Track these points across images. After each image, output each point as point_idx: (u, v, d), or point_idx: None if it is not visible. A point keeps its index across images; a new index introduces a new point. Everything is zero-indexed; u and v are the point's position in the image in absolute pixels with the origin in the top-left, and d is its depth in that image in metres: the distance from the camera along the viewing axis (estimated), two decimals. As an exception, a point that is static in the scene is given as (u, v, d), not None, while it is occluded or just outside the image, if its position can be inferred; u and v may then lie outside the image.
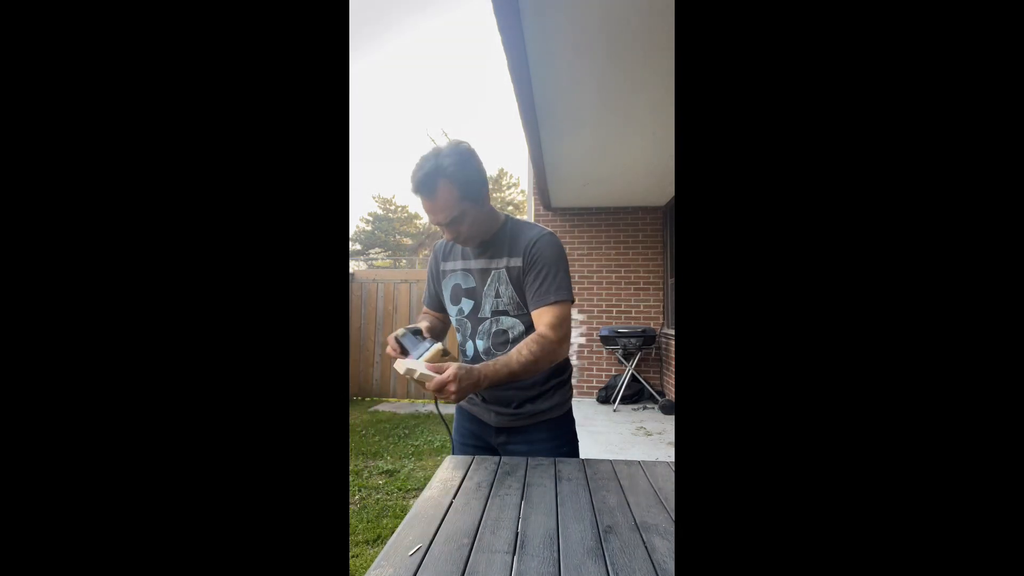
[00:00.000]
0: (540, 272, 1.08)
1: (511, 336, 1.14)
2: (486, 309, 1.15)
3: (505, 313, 1.14)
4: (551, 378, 1.17)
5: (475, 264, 1.17)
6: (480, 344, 1.17)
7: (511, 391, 1.15)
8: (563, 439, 1.17)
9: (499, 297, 1.13)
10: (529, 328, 1.13)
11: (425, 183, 1.03)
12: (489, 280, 1.14)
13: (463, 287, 1.19)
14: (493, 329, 1.15)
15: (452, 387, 0.91)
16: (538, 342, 1.03)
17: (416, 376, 0.94)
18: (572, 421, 1.21)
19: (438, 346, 1.01)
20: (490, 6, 1.88)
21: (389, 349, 1.07)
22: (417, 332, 1.10)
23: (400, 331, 1.08)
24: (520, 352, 1.01)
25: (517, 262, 1.11)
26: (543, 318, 1.07)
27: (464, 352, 1.22)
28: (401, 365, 0.98)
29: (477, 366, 0.97)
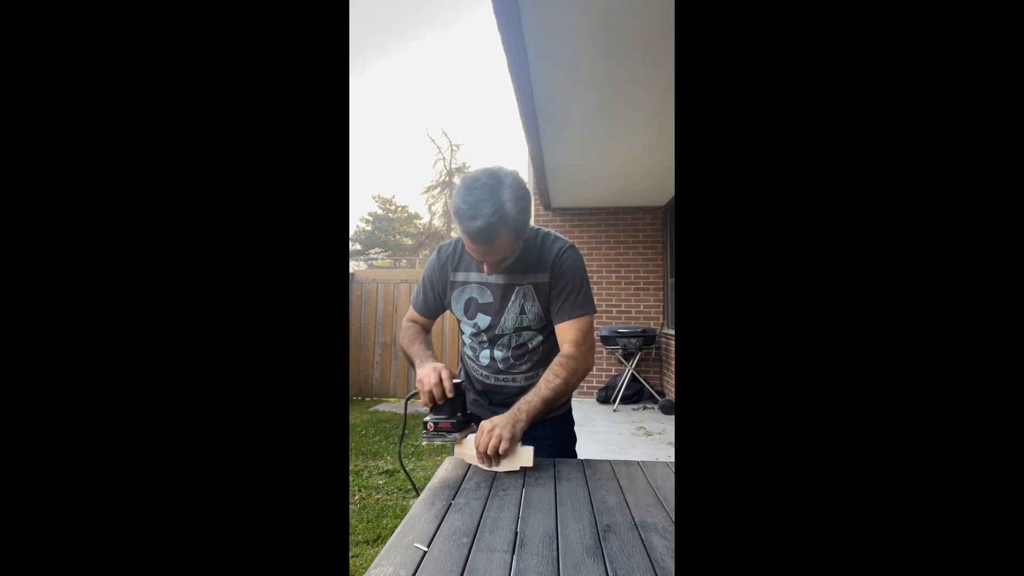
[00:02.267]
0: (566, 287, 1.08)
1: (530, 347, 1.15)
2: (508, 324, 1.12)
3: (528, 328, 1.13)
4: (549, 360, 1.20)
5: (494, 279, 1.11)
6: (499, 354, 1.16)
7: (517, 395, 1.16)
8: (565, 435, 1.21)
9: (524, 313, 1.11)
10: (548, 339, 1.15)
11: (485, 231, 0.92)
12: (513, 296, 1.11)
13: (479, 301, 1.14)
14: (514, 343, 1.14)
15: (504, 445, 0.91)
16: (564, 365, 1.03)
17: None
18: (572, 422, 1.26)
19: (472, 430, 0.96)
20: (490, 6, 1.88)
21: (435, 387, 0.95)
22: (463, 393, 1.00)
23: (459, 381, 0.98)
24: (548, 381, 1.02)
25: (544, 277, 1.09)
26: (567, 333, 1.07)
27: (478, 360, 1.20)
28: (460, 451, 0.92)
29: (521, 417, 0.95)
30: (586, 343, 1.07)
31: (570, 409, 1.25)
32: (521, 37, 2.10)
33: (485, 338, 1.16)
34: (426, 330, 1.25)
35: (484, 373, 1.20)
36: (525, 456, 0.94)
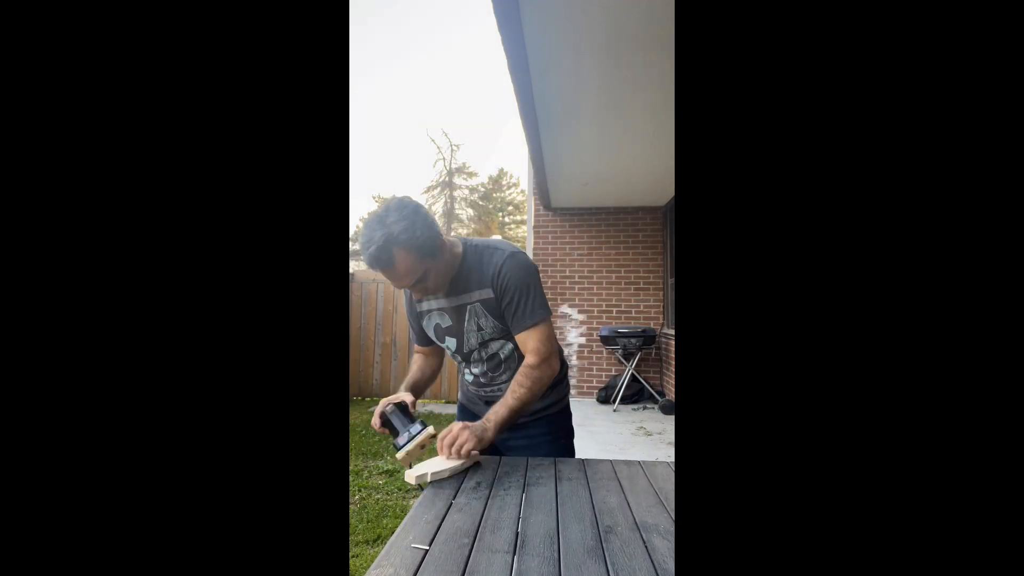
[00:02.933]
0: (512, 299, 1.09)
1: (503, 356, 1.19)
2: (472, 342, 1.16)
3: (492, 339, 1.16)
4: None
5: (447, 303, 1.16)
6: (477, 369, 1.22)
7: (502, 384, 1.20)
8: (560, 432, 1.25)
9: (482, 330, 1.15)
10: (518, 346, 1.19)
11: (381, 257, 0.99)
12: (467, 315, 1.14)
13: (443, 326, 1.19)
14: (485, 356, 1.19)
15: (469, 444, 0.97)
16: (528, 375, 1.09)
17: (428, 479, 0.94)
18: (569, 415, 1.29)
19: (429, 431, 1.03)
20: (491, 7, 1.88)
21: (375, 422, 1.09)
22: (404, 409, 1.10)
23: (388, 406, 1.08)
24: (514, 391, 1.08)
25: (488, 293, 1.11)
26: (527, 344, 1.11)
27: (464, 377, 1.27)
28: (410, 474, 0.97)
29: (488, 425, 1.03)
30: (546, 349, 1.10)
31: (565, 407, 1.27)
32: (521, 37, 2.10)
33: (460, 358, 1.22)
34: (430, 356, 1.32)
35: (474, 388, 1.27)
36: (475, 459, 1.03)
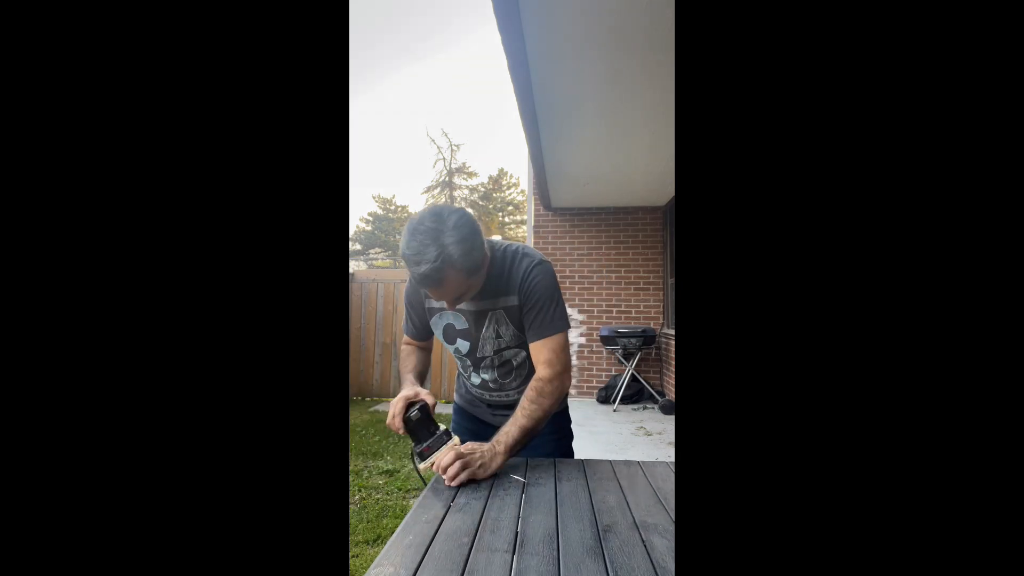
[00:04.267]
0: (536, 307, 1.06)
1: (515, 363, 1.16)
2: (487, 349, 1.12)
3: (508, 348, 1.13)
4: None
5: (467, 305, 1.10)
6: (487, 376, 1.18)
7: (514, 405, 1.16)
8: (561, 432, 1.24)
9: (500, 337, 1.11)
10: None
11: (432, 277, 0.91)
12: (487, 321, 1.10)
13: (456, 328, 1.14)
14: (497, 363, 1.15)
15: (462, 477, 0.89)
16: (539, 390, 1.03)
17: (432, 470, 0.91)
18: (569, 418, 1.29)
19: (453, 442, 0.96)
20: (491, 7, 1.88)
21: (396, 424, 0.98)
22: (428, 413, 0.99)
23: (414, 411, 0.98)
24: (524, 408, 1.01)
25: (514, 300, 1.08)
26: (541, 354, 1.07)
27: (470, 380, 1.22)
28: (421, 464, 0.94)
29: (499, 449, 0.95)
30: (560, 362, 1.07)
31: (566, 408, 1.27)
32: (521, 37, 2.10)
33: (469, 362, 1.17)
34: (424, 350, 1.25)
35: (478, 391, 1.22)
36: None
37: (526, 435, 1.00)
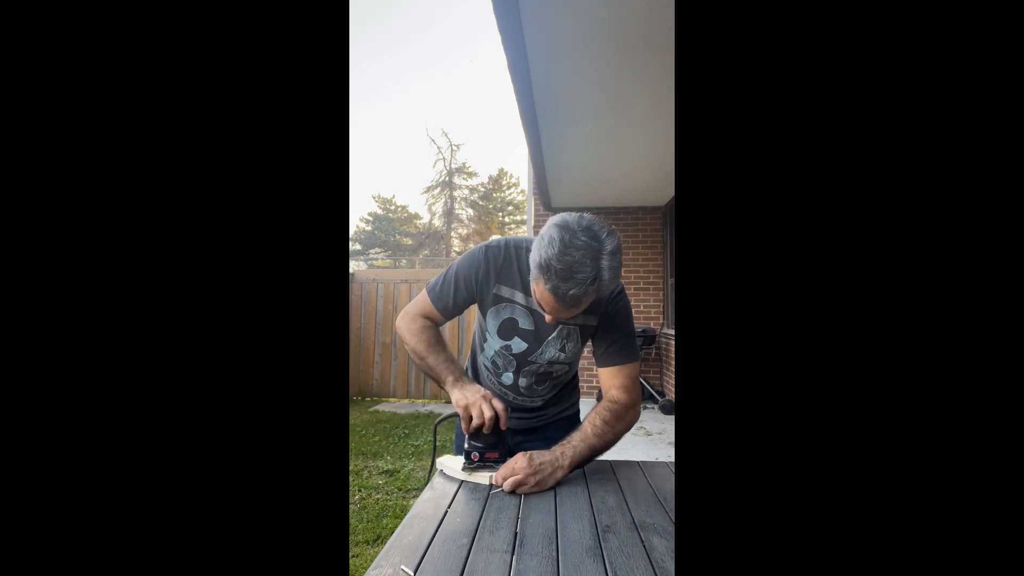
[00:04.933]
0: (615, 331, 1.04)
1: (555, 375, 1.13)
2: (544, 357, 1.08)
3: (562, 363, 1.11)
4: (571, 382, 1.23)
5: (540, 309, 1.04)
6: (524, 381, 1.12)
7: (531, 412, 1.16)
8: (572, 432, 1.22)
9: (563, 351, 1.08)
10: (572, 370, 1.14)
11: (579, 300, 0.86)
12: (558, 332, 1.05)
13: (520, 325, 1.06)
14: (541, 371, 1.11)
15: (526, 487, 0.86)
16: (615, 412, 0.99)
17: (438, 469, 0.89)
18: (580, 420, 1.27)
19: (499, 470, 0.91)
20: (491, 7, 1.88)
21: (481, 420, 0.92)
22: (502, 435, 0.95)
23: (505, 411, 0.93)
24: (596, 427, 0.97)
25: (592, 320, 1.05)
26: (615, 379, 1.04)
27: (499, 377, 1.15)
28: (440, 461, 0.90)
29: (564, 463, 0.91)
30: (636, 390, 1.04)
31: (578, 410, 1.27)
32: (521, 37, 2.10)
33: (514, 361, 1.10)
34: (436, 327, 1.13)
35: (502, 390, 1.16)
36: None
37: (594, 455, 0.97)
